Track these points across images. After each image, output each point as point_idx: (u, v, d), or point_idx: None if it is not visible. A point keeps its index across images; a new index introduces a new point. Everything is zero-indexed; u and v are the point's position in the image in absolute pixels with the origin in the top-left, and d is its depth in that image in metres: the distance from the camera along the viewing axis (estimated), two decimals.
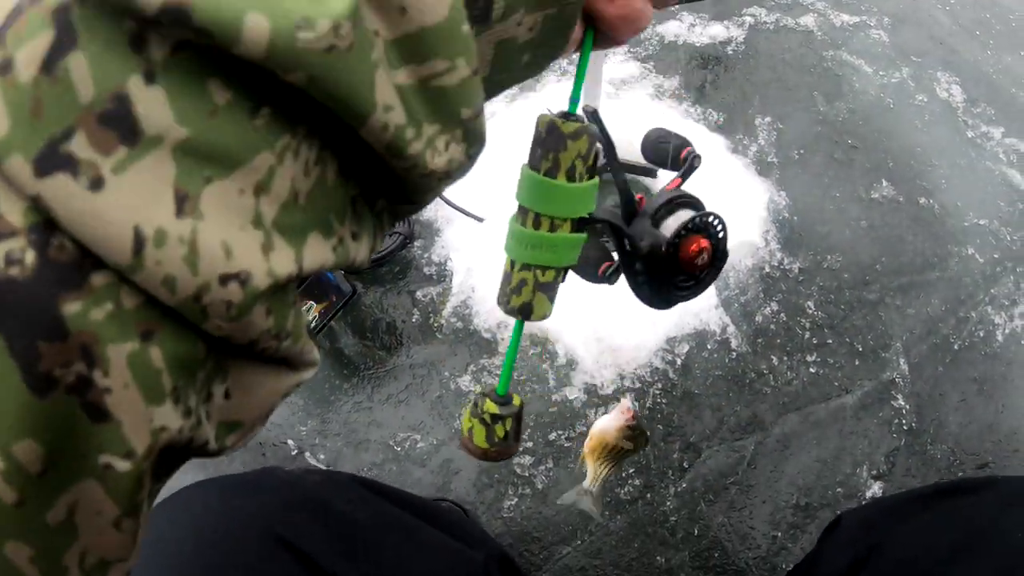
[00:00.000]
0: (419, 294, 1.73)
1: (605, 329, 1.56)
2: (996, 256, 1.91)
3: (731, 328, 1.66)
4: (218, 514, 0.66)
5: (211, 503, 0.68)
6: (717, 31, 2.49)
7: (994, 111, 2.38)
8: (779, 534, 1.48)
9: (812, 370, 1.65)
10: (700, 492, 1.49)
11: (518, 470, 1.47)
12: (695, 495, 1.49)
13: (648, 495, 1.48)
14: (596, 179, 0.46)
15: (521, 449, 1.36)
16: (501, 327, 1.64)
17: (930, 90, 2.40)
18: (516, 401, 0.52)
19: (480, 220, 1.76)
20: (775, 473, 1.50)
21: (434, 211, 1.87)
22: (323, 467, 1.53)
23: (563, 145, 0.41)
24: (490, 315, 1.66)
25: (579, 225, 0.46)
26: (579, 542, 1.45)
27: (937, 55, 2.58)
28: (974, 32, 2.77)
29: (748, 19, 2.57)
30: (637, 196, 0.56)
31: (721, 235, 0.56)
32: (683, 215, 0.54)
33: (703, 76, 2.29)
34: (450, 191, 1.81)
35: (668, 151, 0.64)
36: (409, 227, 1.82)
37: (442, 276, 1.77)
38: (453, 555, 0.86)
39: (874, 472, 1.56)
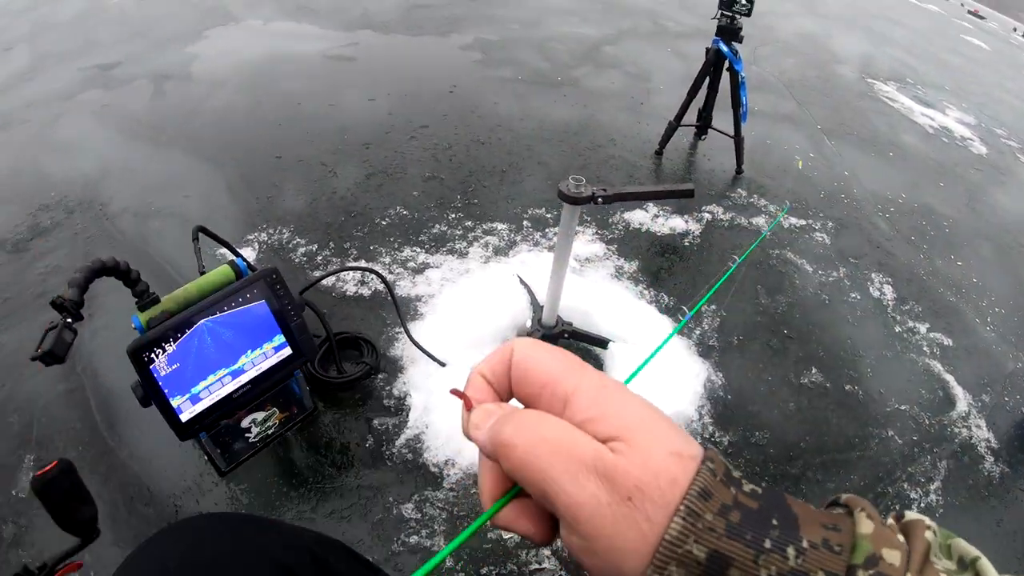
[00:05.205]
0: (376, 422, 1.87)
1: None
2: (915, 438, 2.12)
3: None
4: (232, 541, 0.77)
5: (224, 533, 0.78)
6: (677, 223, 2.84)
7: (922, 308, 2.67)
8: None
9: None
10: None
11: None
12: None
13: None
14: None
15: None
16: (448, 464, 1.77)
17: (863, 288, 2.70)
18: None
19: (442, 365, 1.97)
20: None
21: (401, 349, 2.07)
22: None
23: None
24: (439, 451, 1.79)
25: None
26: None
27: (873, 257, 2.91)
28: (910, 238, 3.12)
29: (707, 215, 2.94)
30: None
31: None
32: None
33: (660, 262, 2.61)
34: (418, 334, 2.06)
35: None
36: (376, 359, 1.99)
37: (400, 409, 1.92)
38: None
39: None
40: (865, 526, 0.36)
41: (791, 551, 0.34)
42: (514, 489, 0.43)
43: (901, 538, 0.37)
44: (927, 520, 0.39)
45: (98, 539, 0.91)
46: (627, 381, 0.48)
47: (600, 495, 0.35)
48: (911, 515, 0.40)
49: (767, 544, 0.34)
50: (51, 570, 0.86)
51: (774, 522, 0.35)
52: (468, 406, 0.44)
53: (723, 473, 0.37)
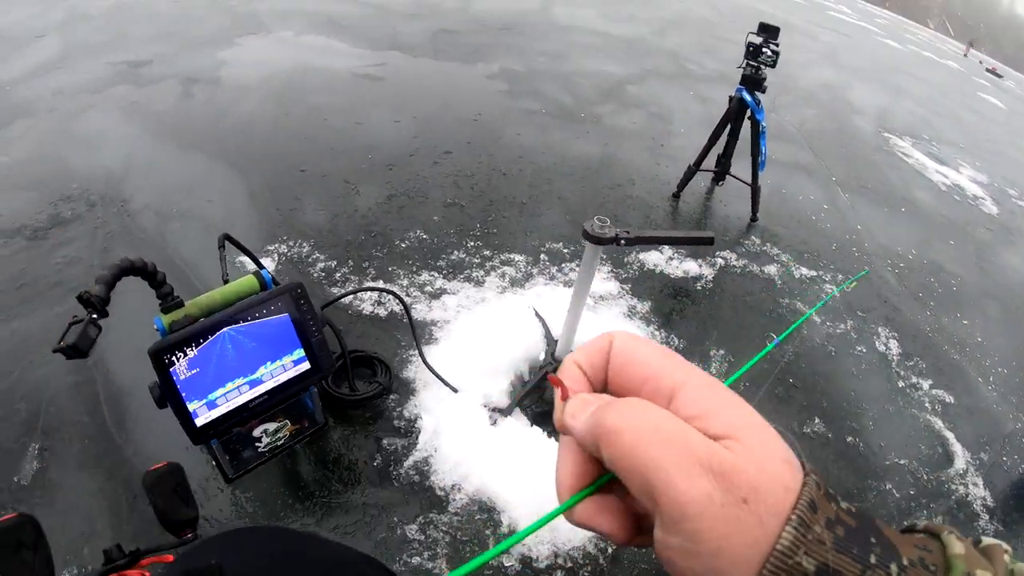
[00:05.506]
0: (385, 442, 1.88)
1: (549, 508, 1.72)
2: (912, 492, 2.13)
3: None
4: (283, 554, 0.81)
5: (276, 546, 0.81)
6: (691, 267, 2.87)
7: (926, 365, 2.69)
8: None
9: None
10: None
11: None
12: None
13: None
14: None
15: None
16: (455, 488, 1.78)
17: (869, 342, 2.72)
18: None
19: (455, 390, 1.98)
20: None
21: (414, 372, 2.08)
22: None
23: None
24: (447, 475, 1.80)
25: None
26: None
27: (881, 312, 2.93)
28: (918, 294, 3.15)
29: (720, 261, 2.96)
30: None
31: None
32: None
33: (672, 304, 2.63)
34: (432, 358, 2.07)
35: None
36: (390, 380, 1.99)
37: (410, 431, 1.93)
38: None
39: None
40: (956, 547, 0.36)
41: (894, 568, 0.34)
42: (597, 482, 0.42)
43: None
44: (1004, 544, 0.39)
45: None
46: (728, 383, 0.47)
47: (714, 494, 0.34)
48: (988, 540, 0.39)
49: (872, 560, 0.34)
50: (140, 556, 0.89)
51: (872, 540, 0.35)
52: (564, 395, 0.43)
53: (825, 488, 0.36)
